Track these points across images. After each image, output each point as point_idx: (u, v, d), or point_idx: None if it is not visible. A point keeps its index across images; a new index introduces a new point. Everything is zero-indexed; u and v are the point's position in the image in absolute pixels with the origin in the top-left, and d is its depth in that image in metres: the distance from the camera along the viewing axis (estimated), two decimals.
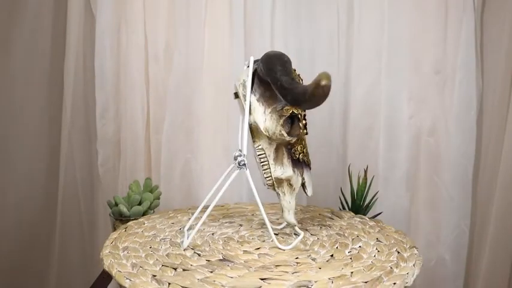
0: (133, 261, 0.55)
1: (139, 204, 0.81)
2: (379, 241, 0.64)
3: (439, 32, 0.94)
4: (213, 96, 0.96)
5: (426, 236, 0.99)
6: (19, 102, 1.01)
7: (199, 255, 0.57)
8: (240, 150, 0.59)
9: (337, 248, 0.61)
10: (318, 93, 0.50)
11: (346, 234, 0.66)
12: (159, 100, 0.99)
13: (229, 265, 0.55)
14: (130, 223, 0.70)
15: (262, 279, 0.50)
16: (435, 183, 0.97)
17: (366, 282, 0.50)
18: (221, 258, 0.57)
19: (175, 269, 0.53)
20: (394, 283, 0.50)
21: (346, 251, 0.60)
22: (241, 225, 0.70)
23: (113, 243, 0.61)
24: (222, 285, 0.49)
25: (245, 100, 0.58)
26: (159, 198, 0.85)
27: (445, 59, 0.95)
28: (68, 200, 1.04)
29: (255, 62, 0.60)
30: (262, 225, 0.70)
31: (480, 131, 0.97)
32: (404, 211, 0.99)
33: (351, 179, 0.85)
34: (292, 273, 0.52)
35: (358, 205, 0.83)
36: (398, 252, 0.61)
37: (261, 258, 0.57)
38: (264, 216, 0.59)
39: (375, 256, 0.59)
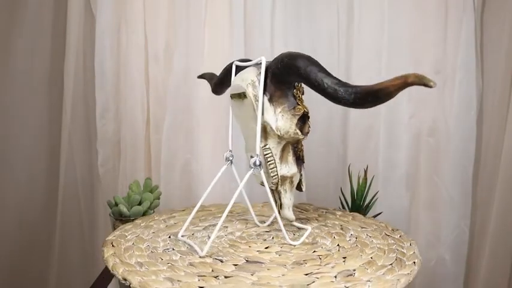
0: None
1: (140, 204, 0.81)
2: (364, 227, 0.68)
3: (439, 32, 0.94)
4: (213, 97, 0.96)
5: (426, 236, 0.99)
6: (19, 102, 1.01)
7: (221, 261, 0.55)
8: (230, 150, 0.62)
9: (334, 237, 0.64)
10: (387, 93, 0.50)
11: (330, 225, 0.69)
12: (159, 100, 0.99)
13: (262, 266, 0.54)
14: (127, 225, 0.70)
15: (306, 274, 0.51)
16: (435, 183, 0.97)
17: (391, 264, 0.55)
18: (247, 260, 0.55)
19: (216, 277, 0.50)
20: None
21: (348, 240, 0.62)
22: (226, 226, 0.69)
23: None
24: (280, 286, 0.48)
25: (256, 100, 0.58)
26: (159, 198, 0.85)
27: (445, 59, 0.95)
28: (68, 200, 1.04)
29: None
30: (246, 223, 0.70)
31: (480, 131, 0.97)
32: (404, 211, 0.99)
33: (351, 179, 0.85)
34: (325, 265, 0.53)
35: (358, 205, 0.83)
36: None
37: (282, 255, 0.57)
38: (277, 215, 0.61)
39: (373, 241, 0.62)
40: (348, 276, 0.50)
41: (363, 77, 0.96)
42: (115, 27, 0.98)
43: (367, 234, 0.65)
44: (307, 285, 0.48)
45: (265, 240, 0.63)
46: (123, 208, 0.79)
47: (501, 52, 0.91)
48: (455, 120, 0.95)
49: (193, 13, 0.95)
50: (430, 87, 0.43)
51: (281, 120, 0.59)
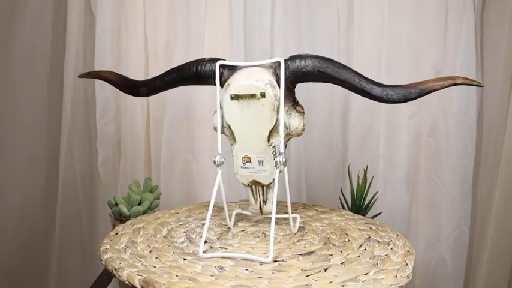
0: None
1: (140, 204, 0.81)
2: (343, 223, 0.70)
3: (439, 32, 0.94)
4: (214, 97, 0.96)
5: (426, 236, 0.99)
6: (19, 102, 1.01)
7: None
8: (220, 153, 0.62)
9: (321, 234, 0.65)
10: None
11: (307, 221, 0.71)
12: (159, 100, 0.99)
13: (301, 259, 0.56)
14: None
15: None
16: (435, 183, 0.97)
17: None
18: (280, 260, 0.56)
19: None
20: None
21: (340, 237, 0.64)
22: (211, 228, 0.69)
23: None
24: (334, 275, 0.50)
25: (276, 100, 0.59)
26: (159, 198, 0.85)
27: (445, 59, 0.95)
28: (67, 199, 1.04)
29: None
30: (222, 223, 0.70)
31: (480, 131, 0.97)
32: (404, 211, 0.99)
33: (350, 179, 0.85)
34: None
35: (358, 205, 0.83)
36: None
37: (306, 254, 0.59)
38: (290, 212, 0.63)
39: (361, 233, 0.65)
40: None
41: None
42: (115, 27, 0.98)
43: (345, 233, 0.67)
44: None
45: (265, 236, 0.64)
46: (123, 208, 0.79)
47: (501, 52, 0.91)
48: (455, 120, 0.95)
49: (193, 13, 0.95)
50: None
51: (291, 118, 0.62)
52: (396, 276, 0.51)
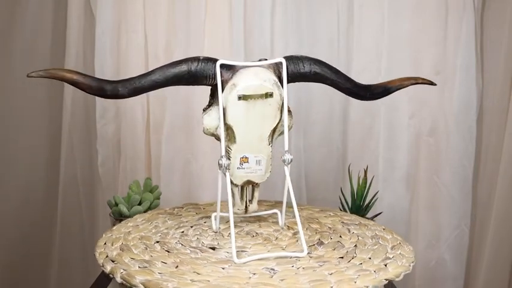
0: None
1: (140, 204, 0.81)
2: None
3: (439, 32, 0.94)
4: None
5: (426, 236, 0.99)
6: (19, 102, 1.01)
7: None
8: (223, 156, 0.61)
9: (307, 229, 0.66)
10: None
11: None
12: (159, 100, 0.99)
13: (320, 248, 0.58)
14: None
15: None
16: (435, 183, 0.97)
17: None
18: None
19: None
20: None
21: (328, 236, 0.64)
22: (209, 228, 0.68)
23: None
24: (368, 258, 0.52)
25: (281, 100, 0.60)
26: (159, 198, 0.85)
27: (445, 59, 0.95)
28: (68, 199, 1.04)
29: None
30: (204, 224, 0.69)
31: (480, 131, 0.97)
32: (404, 211, 0.99)
33: (351, 179, 0.85)
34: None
35: (358, 205, 0.83)
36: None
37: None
38: (297, 214, 0.62)
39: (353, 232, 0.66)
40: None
41: (362, 77, 0.96)
42: (115, 27, 0.98)
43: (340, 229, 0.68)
44: None
45: (266, 238, 0.64)
46: (123, 208, 0.79)
47: (501, 52, 0.91)
48: (455, 120, 0.95)
49: (193, 13, 0.95)
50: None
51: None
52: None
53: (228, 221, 0.62)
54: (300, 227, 0.58)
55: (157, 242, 0.61)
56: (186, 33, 0.95)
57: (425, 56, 0.95)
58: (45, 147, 1.05)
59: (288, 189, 0.61)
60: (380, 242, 0.61)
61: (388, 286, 0.53)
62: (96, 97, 0.99)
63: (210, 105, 0.63)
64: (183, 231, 0.65)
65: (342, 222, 0.70)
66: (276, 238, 0.63)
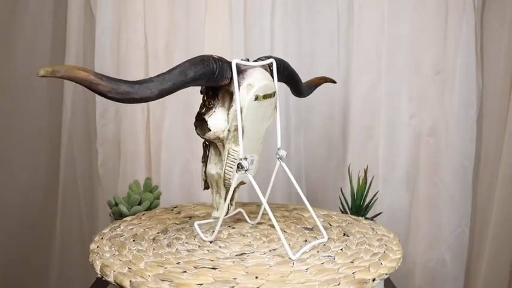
0: None
1: (140, 204, 0.81)
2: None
3: (439, 32, 0.94)
4: None
5: (426, 236, 0.99)
6: (19, 102, 1.01)
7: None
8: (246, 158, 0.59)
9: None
10: None
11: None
12: (159, 100, 0.98)
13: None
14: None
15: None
16: (435, 183, 0.97)
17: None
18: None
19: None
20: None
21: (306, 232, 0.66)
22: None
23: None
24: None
25: (276, 98, 0.62)
26: (159, 198, 0.85)
27: (445, 59, 0.95)
28: (68, 199, 1.04)
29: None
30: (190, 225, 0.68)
31: (480, 131, 0.97)
32: (404, 211, 0.99)
33: (351, 179, 0.85)
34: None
35: (358, 205, 0.83)
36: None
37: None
38: (312, 210, 0.64)
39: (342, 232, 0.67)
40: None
41: (362, 77, 0.96)
42: (115, 27, 0.98)
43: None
44: None
45: (268, 240, 0.64)
46: (123, 208, 0.79)
47: (501, 52, 0.91)
48: (455, 120, 0.95)
49: (193, 13, 0.95)
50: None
51: None
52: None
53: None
54: (318, 221, 0.60)
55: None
56: (186, 33, 0.95)
57: (425, 56, 0.95)
58: (45, 147, 1.05)
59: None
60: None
61: (388, 286, 0.53)
62: (96, 97, 1.00)
63: (210, 107, 0.60)
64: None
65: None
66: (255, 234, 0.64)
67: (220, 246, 0.60)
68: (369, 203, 0.84)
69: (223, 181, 0.61)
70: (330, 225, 0.68)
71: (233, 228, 0.68)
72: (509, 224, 0.90)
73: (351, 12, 0.95)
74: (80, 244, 1.07)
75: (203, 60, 0.56)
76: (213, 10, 0.95)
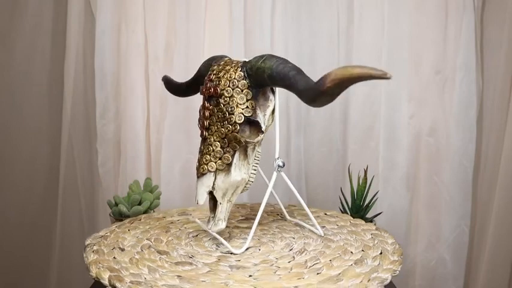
0: None
1: (140, 204, 0.81)
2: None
3: (439, 32, 0.94)
4: None
5: (426, 236, 0.99)
6: (19, 101, 1.01)
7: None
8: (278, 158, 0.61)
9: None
10: None
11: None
12: (159, 100, 0.99)
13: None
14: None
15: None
16: (435, 183, 0.97)
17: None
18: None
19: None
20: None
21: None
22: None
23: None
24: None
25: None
26: (159, 198, 0.85)
27: (445, 59, 0.95)
28: (68, 199, 1.04)
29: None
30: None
31: (480, 131, 0.97)
32: (404, 211, 0.99)
33: (351, 179, 0.85)
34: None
35: (358, 205, 0.83)
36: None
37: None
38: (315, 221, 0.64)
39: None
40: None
41: None
42: (115, 27, 0.98)
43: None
44: None
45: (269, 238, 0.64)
46: (123, 208, 0.79)
47: (501, 52, 0.91)
48: (455, 120, 0.95)
49: (193, 13, 0.95)
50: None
51: None
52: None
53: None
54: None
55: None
56: (186, 33, 0.95)
57: (425, 56, 0.95)
58: (45, 147, 1.05)
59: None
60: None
61: (388, 286, 0.53)
62: (96, 97, 1.00)
63: (254, 109, 0.58)
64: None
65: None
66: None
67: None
68: (369, 203, 0.84)
69: (245, 185, 0.61)
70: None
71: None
72: (509, 224, 0.90)
73: (351, 12, 0.95)
74: (80, 244, 1.07)
75: (289, 62, 0.58)
76: (213, 10, 0.95)
